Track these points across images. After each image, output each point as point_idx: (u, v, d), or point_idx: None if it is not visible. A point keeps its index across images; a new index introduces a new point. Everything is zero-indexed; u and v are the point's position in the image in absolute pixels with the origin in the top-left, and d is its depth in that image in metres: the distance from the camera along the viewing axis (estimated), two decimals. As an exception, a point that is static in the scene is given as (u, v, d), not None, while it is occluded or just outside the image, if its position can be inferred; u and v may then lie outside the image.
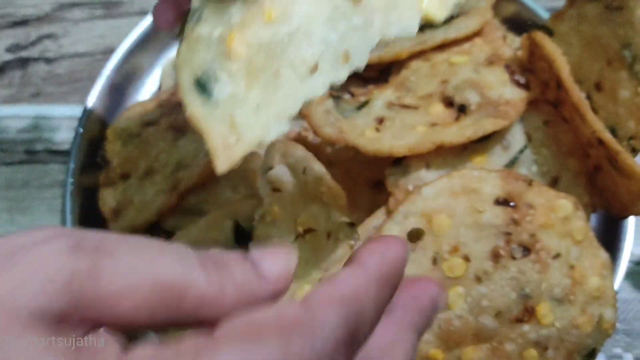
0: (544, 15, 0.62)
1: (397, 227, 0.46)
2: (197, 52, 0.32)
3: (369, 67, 0.55)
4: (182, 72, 0.32)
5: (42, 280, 0.25)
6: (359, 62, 0.33)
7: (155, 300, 0.27)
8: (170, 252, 0.28)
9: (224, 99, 0.31)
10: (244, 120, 0.31)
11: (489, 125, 0.47)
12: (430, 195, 0.46)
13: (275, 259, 0.30)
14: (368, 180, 0.54)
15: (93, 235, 0.27)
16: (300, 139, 0.56)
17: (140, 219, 0.54)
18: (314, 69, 0.32)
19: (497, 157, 0.51)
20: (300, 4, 0.31)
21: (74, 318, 0.25)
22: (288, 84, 0.31)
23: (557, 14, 0.54)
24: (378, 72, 0.58)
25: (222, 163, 0.31)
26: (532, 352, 0.45)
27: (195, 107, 0.31)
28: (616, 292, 0.48)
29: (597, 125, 0.46)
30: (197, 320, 0.28)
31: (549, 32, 0.53)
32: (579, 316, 0.46)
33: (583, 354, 0.46)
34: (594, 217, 0.57)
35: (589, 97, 0.51)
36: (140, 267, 0.27)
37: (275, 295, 0.30)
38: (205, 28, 0.33)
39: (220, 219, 0.51)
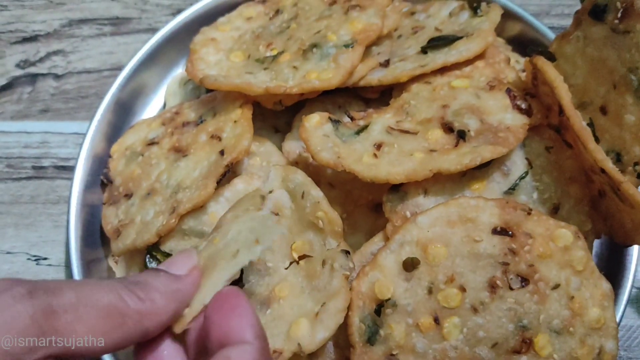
0: (550, 35, 0.61)
1: (392, 256, 0.45)
2: None
3: (369, 88, 0.55)
4: None
5: (4, 324, 0.30)
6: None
7: (104, 323, 0.34)
8: (102, 286, 0.35)
9: None
10: None
11: (487, 153, 0.46)
12: (426, 224, 0.45)
13: (179, 260, 0.41)
14: (368, 202, 0.53)
15: (41, 282, 0.33)
16: (300, 161, 0.55)
17: (140, 239, 0.53)
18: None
19: (497, 184, 0.49)
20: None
21: (39, 354, 0.31)
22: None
23: (563, 35, 0.53)
24: (379, 93, 0.57)
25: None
26: None
27: None
28: (618, 323, 0.47)
29: (599, 155, 0.45)
30: (145, 332, 0.36)
31: (551, 56, 0.51)
32: (579, 348, 0.45)
33: None
34: (597, 242, 0.56)
35: (591, 124, 0.49)
36: (83, 299, 0.34)
37: (193, 284, 0.40)
38: None
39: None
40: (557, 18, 0.71)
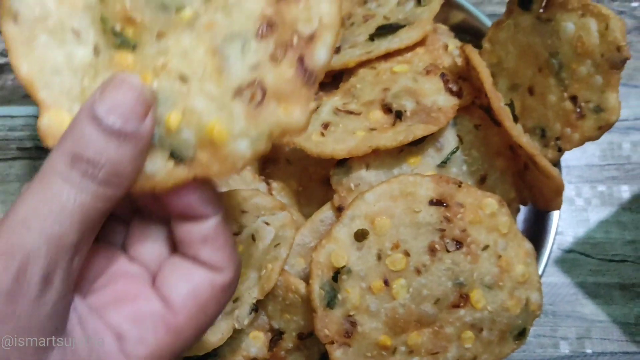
0: (488, 22, 0.63)
1: (344, 229, 0.48)
2: None
3: (323, 73, 0.57)
4: None
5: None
6: None
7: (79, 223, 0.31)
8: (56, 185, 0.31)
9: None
10: None
11: (419, 131, 0.49)
12: (372, 200, 0.48)
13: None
14: (322, 177, 0.57)
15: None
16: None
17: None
18: None
19: (431, 158, 0.52)
20: None
21: None
22: None
23: (497, 23, 0.56)
24: (332, 77, 0.59)
25: None
26: (469, 334, 0.48)
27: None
28: (540, 276, 0.50)
29: (515, 131, 0.48)
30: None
31: (478, 44, 0.55)
32: (508, 300, 0.48)
33: (514, 334, 0.49)
34: (526, 209, 0.59)
35: (510, 104, 0.52)
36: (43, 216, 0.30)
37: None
38: None
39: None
40: (498, 5, 0.74)
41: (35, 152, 0.70)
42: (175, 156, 0.33)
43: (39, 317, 0.30)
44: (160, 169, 0.33)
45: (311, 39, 0.32)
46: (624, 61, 0.47)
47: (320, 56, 0.32)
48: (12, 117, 0.72)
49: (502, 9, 0.54)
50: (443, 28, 0.63)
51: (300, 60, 0.32)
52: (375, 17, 0.62)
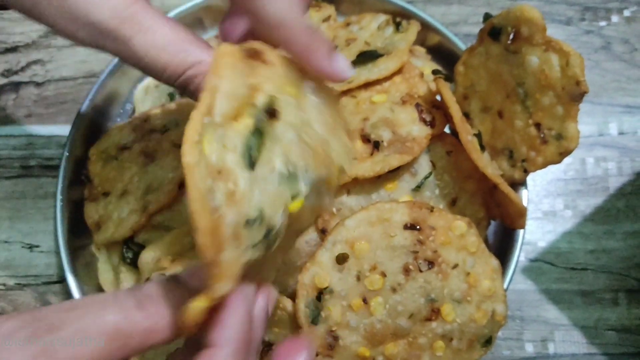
0: (462, 46, 0.66)
1: (327, 253, 0.51)
2: None
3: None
4: None
5: None
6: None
7: (108, 345, 0.31)
8: (109, 305, 0.32)
9: None
10: None
11: (394, 162, 0.53)
12: (352, 226, 0.51)
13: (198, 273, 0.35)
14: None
15: (45, 316, 0.31)
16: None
17: (117, 233, 0.59)
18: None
19: (406, 183, 0.56)
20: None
21: None
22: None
23: (470, 49, 0.58)
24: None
25: None
26: (440, 343, 0.51)
27: None
28: (507, 288, 0.53)
29: (481, 162, 0.51)
30: (148, 347, 0.33)
31: (449, 78, 0.57)
32: (476, 312, 0.51)
33: (482, 342, 0.52)
34: (496, 222, 0.62)
35: (478, 135, 0.55)
36: (88, 328, 0.31)
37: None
38: None
39: (181, 235, 0.55)
40: (473, 26, 0.76)
41: (38, 170, 0.73)
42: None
43: None
44: None
45: None
46: (582, 94, 0.50)
47: None
48: (14, 136, 0.74)
49: (477, 30, 0.56)
50: (420, 50, 0.67)
51: None
52: (357, 41, 0.64)
